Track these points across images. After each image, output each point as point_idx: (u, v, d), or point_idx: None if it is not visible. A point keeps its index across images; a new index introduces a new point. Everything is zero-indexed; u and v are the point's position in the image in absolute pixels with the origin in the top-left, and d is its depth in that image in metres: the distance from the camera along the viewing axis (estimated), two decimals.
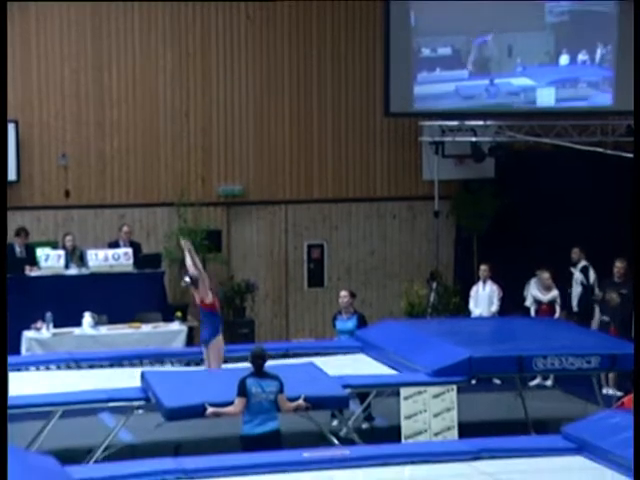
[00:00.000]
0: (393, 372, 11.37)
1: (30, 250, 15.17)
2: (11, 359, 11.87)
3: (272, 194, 17.05)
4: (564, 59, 16.05)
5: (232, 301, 16.43)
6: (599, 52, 15.92)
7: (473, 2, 15.76)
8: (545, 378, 14.10)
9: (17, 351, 13.48)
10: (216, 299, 11.36)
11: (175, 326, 14.43)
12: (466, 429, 10.61)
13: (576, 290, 14.98)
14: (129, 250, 15.19)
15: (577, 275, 15.00)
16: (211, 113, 16.76)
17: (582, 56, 15.99)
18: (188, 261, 11.38)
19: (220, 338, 11.17)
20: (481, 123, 16.37)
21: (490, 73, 16.26)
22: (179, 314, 14.66)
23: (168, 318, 14.67)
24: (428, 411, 10.61)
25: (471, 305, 14.81)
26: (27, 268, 14.81)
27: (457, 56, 16.22)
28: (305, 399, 9.72)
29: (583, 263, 15.04)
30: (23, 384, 10.58)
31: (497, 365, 11.19)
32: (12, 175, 15.66)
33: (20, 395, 10.03)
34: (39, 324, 13.83)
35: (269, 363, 9.60)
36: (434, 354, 11.19)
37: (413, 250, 17.64)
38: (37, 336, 13.76)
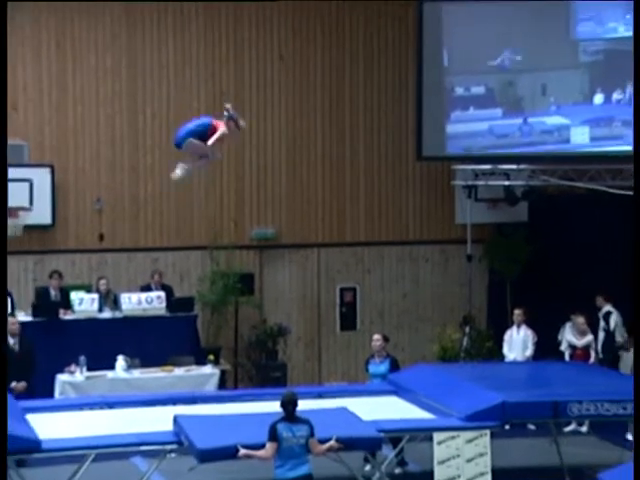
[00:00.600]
0: (426, 416, 11.29)
1: (64, 293, 15.26)
2: (45, 402, 12.01)
3: (304, 237, 17.08)
4: (598, 98, 16.01)
5: (264, 344, 16.43)
6: (634, 91, 15.86)
7: (506, 40, 15.79)
8: (580, 424, 13.93)
9: (51, 394, 13.54)
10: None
11: (208, 369, 14.43)
12: (500, 475, 10.51)
13: (600, 336, 14.90)
14: (162, 294, 15.25)
15: (601, 321, 14.93)
16: (244, 157, 16.86)
17: (617, 95, 15.93)
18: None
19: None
20: (514, 167, 16.35)
21: (524, 112, 16.27)
22: (212, 357, 14.66)
23: (201, 361, 14.68)
24: (461, 456, 10.52)
25: (505, 349, 14.71)
26: (61, 312, 14.90)
27: (491, 95, 16.25)
28: (337, 440, 9.67)
29: (607, 309, 14.98)
30: (56, 427, 10.59)
31: (531, 410, 11.07)
32: (47, 219, 15.81)
33: (53, 439, 10.05)
34: (73, 367, 13.87)
35: (302, 407, 9.57)
36: (467, 399, 11.12)
37: (446, 294, 17.58)
38: (71, 379, 13.80)
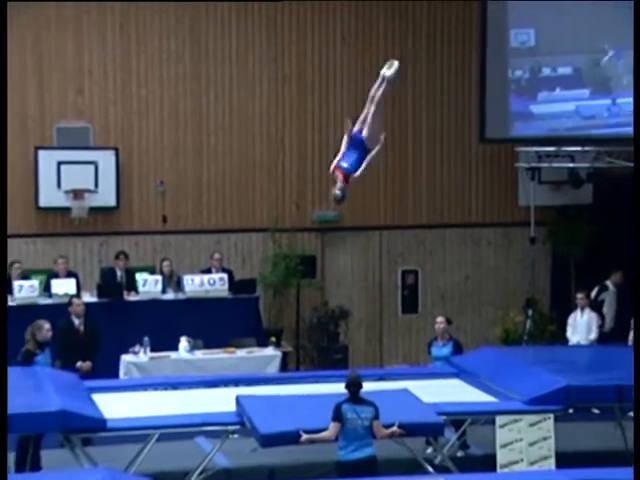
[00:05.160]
0: (489, 399, 11.25)
1: (130, 275, 15.42)
2: (110, 382, 12.16)
3: (366, 220, 17.06)
4: None
5: (326, 327, 16.45)
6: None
7: (594, 18, 15.41)
8: None
9: (115, 374, 13.71)
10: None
11: (269, 351, 14.51)
12: (563, 459, 10.44)
13: None
14: (224, 275, 15.34)
15: None
16: (306, 139, 16.87)
17: None
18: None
19: None
20: (579, 149, 16.15)
21: (612, 92, 15.91)
22: (273, 339, 14.74)
23: (263, 343, 14.77)
24: (524, 440, 10.47)
25: (568, 333, 14.58)
26: (125, 293, 15.06)
27: (577, 75, 15.95)
28: (399, 426, 9.67)
29: None
30: (121, 407, 10.73)
31: (595, 394, 10.97)
32: (112, 201, 15.97)
33: (118, 418, 10.18)
34: (137, 348, 14.02)
35: (363, 389, 9.58)
36: (531, 382, 11.05)
37: (508, 276, 17.47)
38: (135, 360, 13.96)
